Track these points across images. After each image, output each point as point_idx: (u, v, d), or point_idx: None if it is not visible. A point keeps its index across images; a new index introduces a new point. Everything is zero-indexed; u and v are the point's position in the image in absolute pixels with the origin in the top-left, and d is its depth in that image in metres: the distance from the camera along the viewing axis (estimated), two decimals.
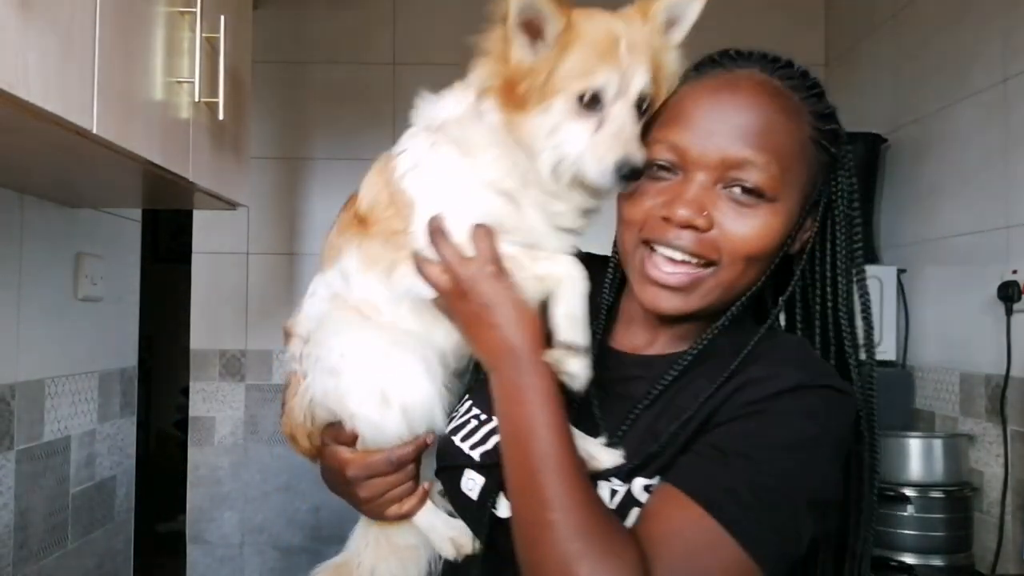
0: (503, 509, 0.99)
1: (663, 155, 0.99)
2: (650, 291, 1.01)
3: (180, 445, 3.19)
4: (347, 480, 1.08)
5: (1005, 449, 2.08)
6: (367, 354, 1.06)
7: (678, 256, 0.98)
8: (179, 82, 1.45)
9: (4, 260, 1.75)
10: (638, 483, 0.95)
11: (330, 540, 3.42)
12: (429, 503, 1.09)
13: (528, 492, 0.90)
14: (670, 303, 1.00)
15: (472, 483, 1.04)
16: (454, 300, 0.98)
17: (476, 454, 1.05)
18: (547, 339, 0.96)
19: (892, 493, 2.09)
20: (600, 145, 0.94)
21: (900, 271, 2.54)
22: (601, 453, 0.96)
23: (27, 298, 1.81)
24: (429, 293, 1.02)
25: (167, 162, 1.41)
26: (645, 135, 1.00)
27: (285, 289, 3.18)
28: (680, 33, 1.01)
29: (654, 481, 0.94)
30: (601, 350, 1.07)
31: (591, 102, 0.94)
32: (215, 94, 1.53)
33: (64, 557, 2.00)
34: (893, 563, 2.05)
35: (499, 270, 0.96)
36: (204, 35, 1.46)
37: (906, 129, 2.61)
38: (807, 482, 0.89)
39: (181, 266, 3.19)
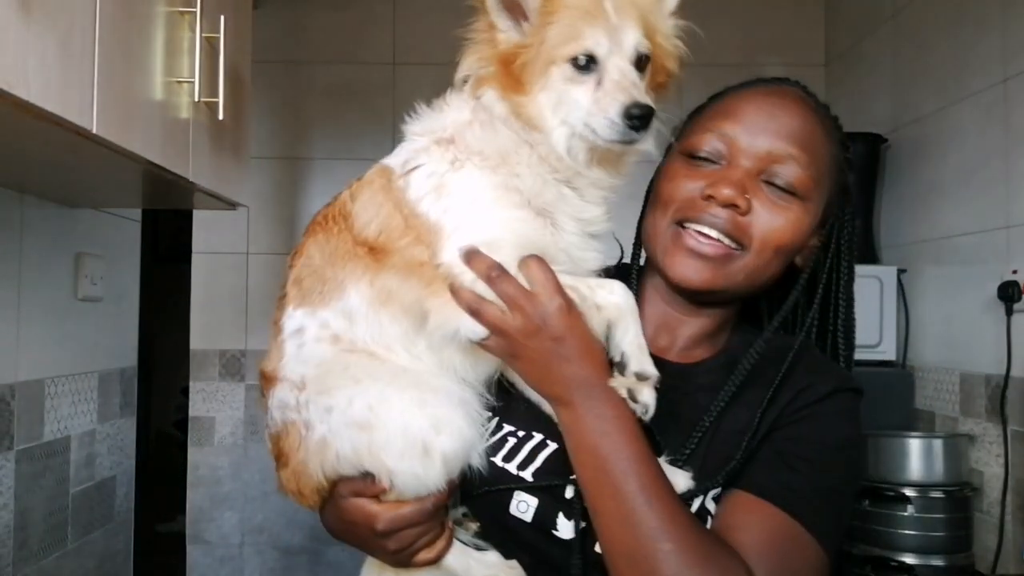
0: (563, 530, 0.98)
1: (712, 143, 1.05)
2: (679, 262, 1.03)
3: (180, 445, 3.18)
4: (377, 533, 1.00)
5: (1005, 449, 2.08)
6: (399, 404, 0.98)
7: (713, 233, 1.02)
8: (179, 82, 1.45)
9: (4, 260, 1.75)
10: (709, 494, 0.98)
11: (330, 540, 3.41)
12: (456, 541, 1.04)
13: (632, 524, 0.89)
14: (699, 274, 1.03)
15: (525, 506, 1.00)
16: (524, 338, 0.93)
17: (527, 474, 1.01)
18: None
19: (892, 493, 2.08)
20: (603, 99, 0.92)
21: (900, 271, 2.54)
22: (675, 476, 0.96)
23: (27, 298, 1.81)
24: (480, 333, 0.95)
25: (167, 162, 1.41)
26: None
27: None
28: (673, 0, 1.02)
29: (719, 490, 0.98)
30: None
31: (587, 64, 0.93)
32: (215, 94, 1.53)
33: (64, 557, 1.99)
34: (893, 563, 2.05)
35: (566, 303, 0.93)
36: (204, 35, 1.46)
37: (906, 129, 2.60)
38: (854, 477, 1.03)
39: (181, 266, 3.19)
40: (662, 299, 1.11)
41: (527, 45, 0.94)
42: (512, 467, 1.02)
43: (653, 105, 0.92)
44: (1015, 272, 2.05)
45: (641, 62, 0.95)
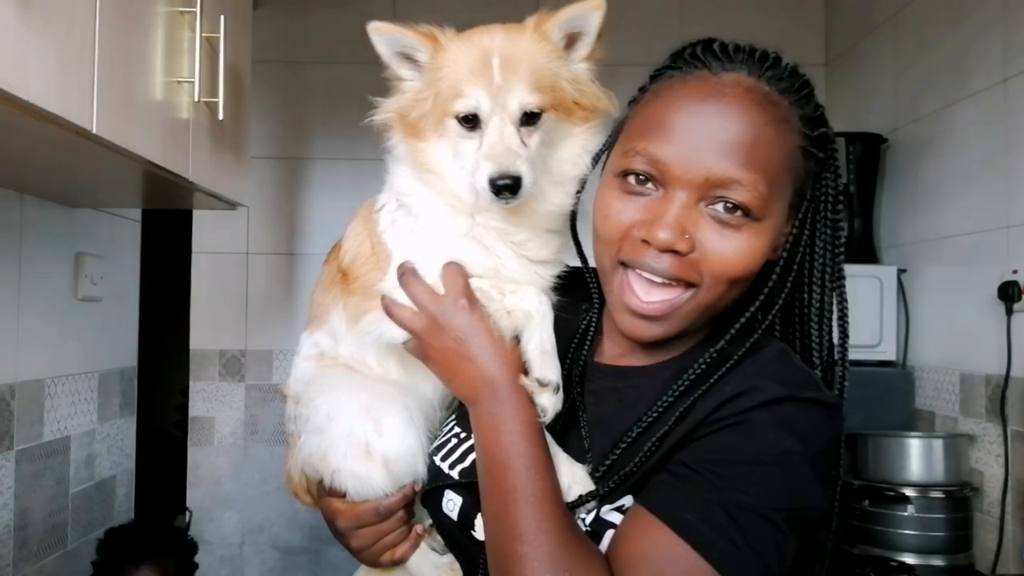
0: (480, 530, 0.98)
1: (640, 167, 0.93)
2: (628, 320, 0.96)
3: (180, 445, 3.18)
4: (339, 531, 1.09)
5: (1005, 449, 2.08)
6: (349, 410, 1.06)
7: (657, 279, 0.93)
8: (179, 82, 1.45)
9: (4, 260, 1.75)
10: (610, 506, 0.93)
11: (330, 540, 3.40)
12: (423, 546, 1.09)
13: (501, 523, 0.90)
14: (648, 331, 0.96)
15: (452, 504, 1.03)
16: (428, 338, 0.98)
17: (455, 473, 1.03)
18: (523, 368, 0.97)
19: (892, 493, 2.09)
20: (480, 163, 0.95)
21: (900, 271, 2.54)
22: (575, 486, 0.94)
23: (27, 298, 1.81)
24: (399, 336, 1.02)
25: (167, 162, 1.41)
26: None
27: (285, 289, 3.18)
28: (585, 47, 0.99)
29: (627, 501, 0.92)
30: (586, 366, 1.06)
31: (472, 120, 0.96)
32: (215, 94, 1.53)
33: (64, 557, 2.00)
34: (893, 563, 2.05)
35: (472, 303, 0.97)
36: (204, 35, 1.46)
37: (906, 129, 2.60)
38: (784, 496, 0.86)
39: (181, 266, 3.19)
40: None
41: (422, 96, 1.00)
42: (445, 466, 1.05)
43: (521, 171, 0.93)
44: (1015, 272, 2.05)
45: (532, 117, 0.96)
